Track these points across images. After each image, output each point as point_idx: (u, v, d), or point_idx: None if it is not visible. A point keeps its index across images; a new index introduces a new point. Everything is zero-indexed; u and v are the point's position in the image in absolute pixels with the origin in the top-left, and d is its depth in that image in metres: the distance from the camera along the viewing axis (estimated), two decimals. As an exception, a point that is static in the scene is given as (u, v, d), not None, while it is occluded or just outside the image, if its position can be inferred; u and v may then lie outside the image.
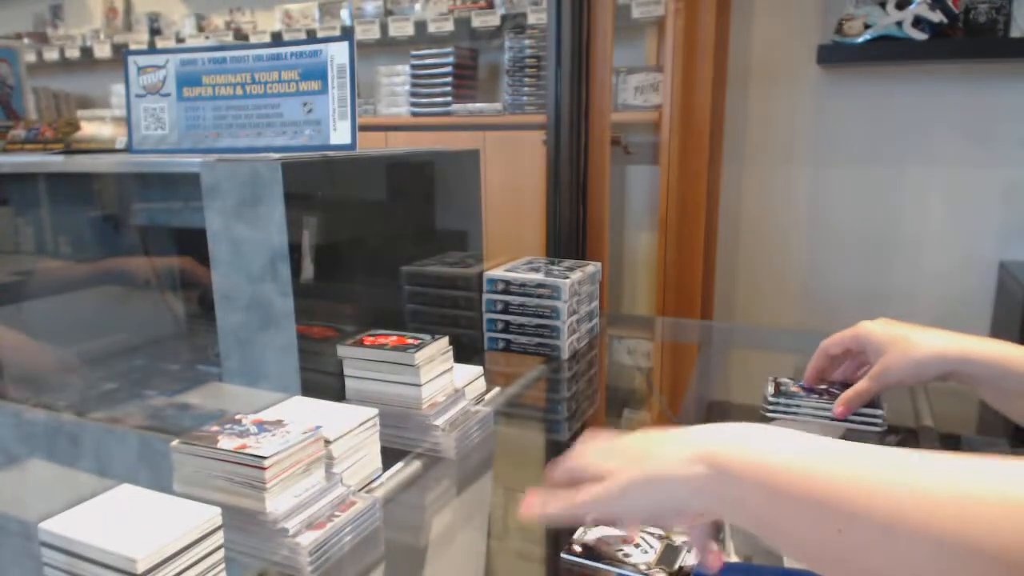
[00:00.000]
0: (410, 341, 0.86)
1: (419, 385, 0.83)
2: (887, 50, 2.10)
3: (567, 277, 1.16)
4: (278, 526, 0.62)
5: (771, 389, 0.91)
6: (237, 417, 0.69)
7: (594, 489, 0.54)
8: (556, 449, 0.98)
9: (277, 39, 3.19)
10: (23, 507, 1.05)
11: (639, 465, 0.52)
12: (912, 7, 2.02)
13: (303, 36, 3.15)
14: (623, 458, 0.53)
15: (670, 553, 0.61)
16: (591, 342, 1.28)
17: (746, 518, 0.47)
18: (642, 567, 0.59)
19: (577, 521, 0.59)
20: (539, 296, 1.16)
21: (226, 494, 0.63)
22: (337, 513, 0.67)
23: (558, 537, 0.65)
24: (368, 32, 2.95)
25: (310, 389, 0.92)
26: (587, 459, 0.57)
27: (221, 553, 0.57)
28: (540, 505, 0.57)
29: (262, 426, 0.67)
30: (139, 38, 3.64)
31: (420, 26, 2.87)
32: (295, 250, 0.91)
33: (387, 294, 1.16)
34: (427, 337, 0.87)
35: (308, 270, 0.93)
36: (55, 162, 1.22)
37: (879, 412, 0.85)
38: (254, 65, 1.08)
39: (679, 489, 0.49)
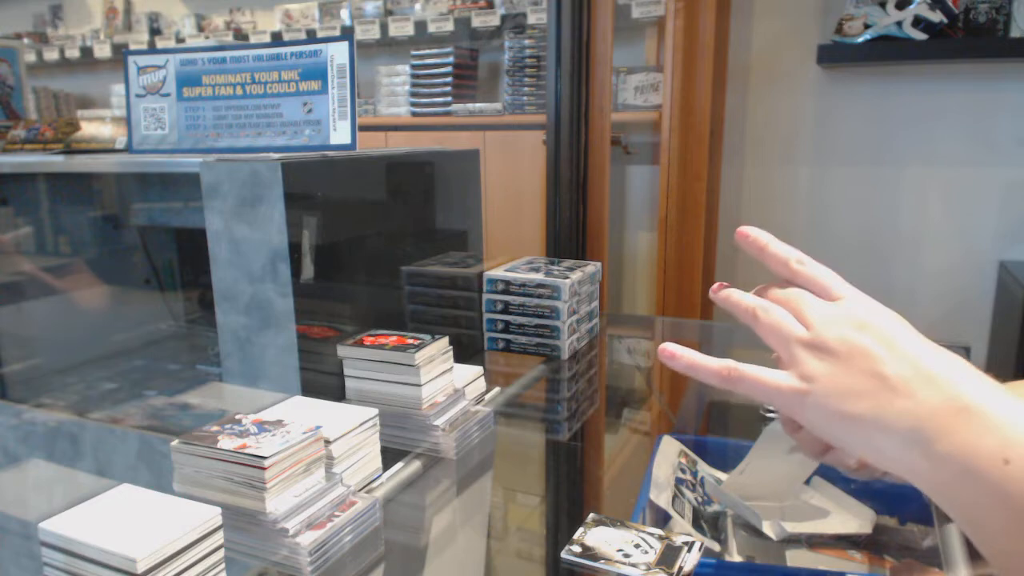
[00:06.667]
0: (410, 341, 0.86)
1: (419, 385, 0.83)
2: (887, 50, 2.10)
3: (567, 277, 1.16)
4: (278, 526, 0.62)
5: None
6: (237, 417, 0.69)
7: (772, 377, 0.49)
8: (556, 449, 0.98)
9: (277, 39, 3.19)
10: (23, 507, 1.05)
11: (868, 395, 0.45)
12: (912, 7, 2.02)
13: (303, 36, 3.15)
14: (855, 365, 0.45)
15: (670, 553, 0.61)
16: (591, 342, 1.28)
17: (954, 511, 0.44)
18: (642, 567, 0.59)
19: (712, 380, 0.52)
20: (539, 296, 1.16)
21: (226, 494, 0.63)
22: (337, 513, 0.66)
23: (558, 537, 0.65)
24: (368, 32, 2.95)
25: (310, 389, 0.92)
26: (819, 319, 0.48)
27: (221, 553, 0.57)
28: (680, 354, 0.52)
29: (262, 426, 0.67)
30: (139, 38, 3.64)
31: (420, 26, 2.87)
32: (295, 250, 0.91)
33: (387, 294, 1.16)
34: (427, 337, 0.87)
35: (308, 270, 0.93)
36: (55, 162, 1.22)
37: None
38: (254, 65, 1.08)
39: (884, 456, 0.45)
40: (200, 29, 3.50)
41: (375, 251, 1.12)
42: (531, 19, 2.64)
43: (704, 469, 0.79)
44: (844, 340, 0.47)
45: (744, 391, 0.50)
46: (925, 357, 0.45)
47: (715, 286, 0.57)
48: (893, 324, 0.47)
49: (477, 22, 2.74)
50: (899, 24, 2.04)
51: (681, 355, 0.53)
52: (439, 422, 0.84)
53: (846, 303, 0.49)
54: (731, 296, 0.55)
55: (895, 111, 2.26)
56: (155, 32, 3.64)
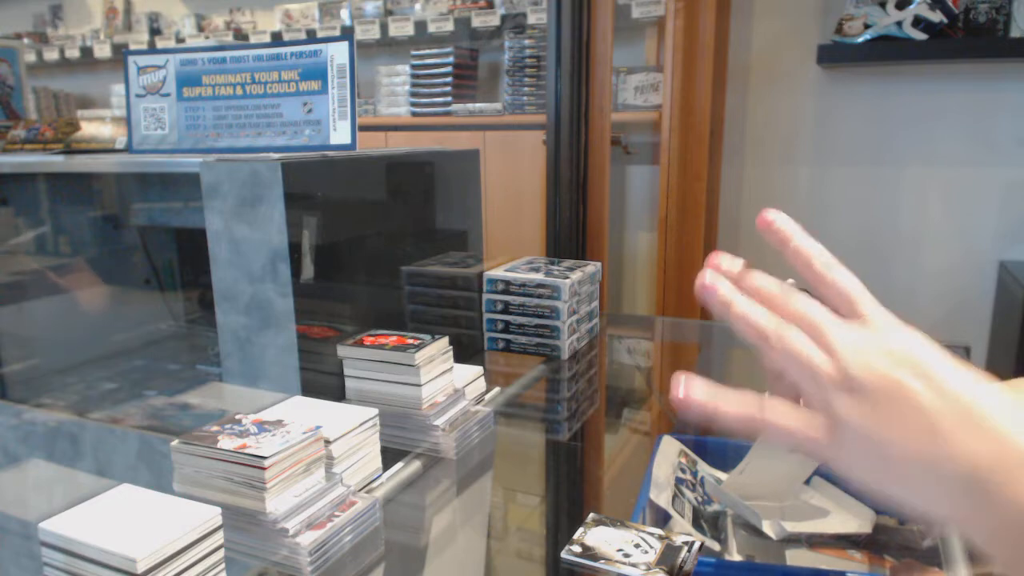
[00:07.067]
0: (410, 341, 0.86)
1: (419, 385, 0.83)
2: (887, 50, 2.10)
3: (567, 277, 1.16)
4: (278, 526, 0.62)
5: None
6: (237, 417, 0.69)
7: (801, 425, 0.43)
8: (556, 449, 0.98)
9: (277, 39, 3.19)
10: (23, 507, 1.05)
11: (913, 439, 0.40)
12: (912, 7, 2.02)
13: (303, 36, 3.15)
14: (893, 404, 0.40)
15: (670, 553, 0.61)
16: (591, 342, 1.28)
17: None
18: (642, 567, 0.59)
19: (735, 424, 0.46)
20: (539, 296, 1.16)
21: (226, 494, 0.63)
22: (337, 513, 0.66)
23: (558, 537, 0.65)
24: (368, 32, 2.95)
25: (310, 389, 0.92)
26: (845, 348, 0.42)
27: (221, 553, 0.57)
28: (696, 390, 0.46)
29: (262, 426, 0.67)
30: (139, 38, 3.64)
31: (420, 26, 2.87)
32: (295, 250, 0.91)
33: (387, 294, 1.16)
34: (427, 337, 0.87)
35: (308, 270, 0.93)
36: (55, 162, 1.22)
37: None
38: (254, 65, 1.08)
39: (934, 505, 0.40)
40: (200, 29, 3.50)
41: (375, 251, 1.12)
42: (531, 19, 2.64)
43: (704, 469, 0.79)
44: (878, 375, 0.42)
45: (772, 440, 0.45)
46: (968, 393, 0.41)
47: (699, 280, 0.51)
48: (926, 352, 0.42)
49: (477, 22, 2.74)
50: (899, 24, 2.04)
51: (703, 403, 0.47)
52: (439, 422, 0.84)
53: (871, 327, 0.44)
54: (734, 306, 0.49)
55: (895, 111, 2.26)
56: (155, 32, 3.64)
